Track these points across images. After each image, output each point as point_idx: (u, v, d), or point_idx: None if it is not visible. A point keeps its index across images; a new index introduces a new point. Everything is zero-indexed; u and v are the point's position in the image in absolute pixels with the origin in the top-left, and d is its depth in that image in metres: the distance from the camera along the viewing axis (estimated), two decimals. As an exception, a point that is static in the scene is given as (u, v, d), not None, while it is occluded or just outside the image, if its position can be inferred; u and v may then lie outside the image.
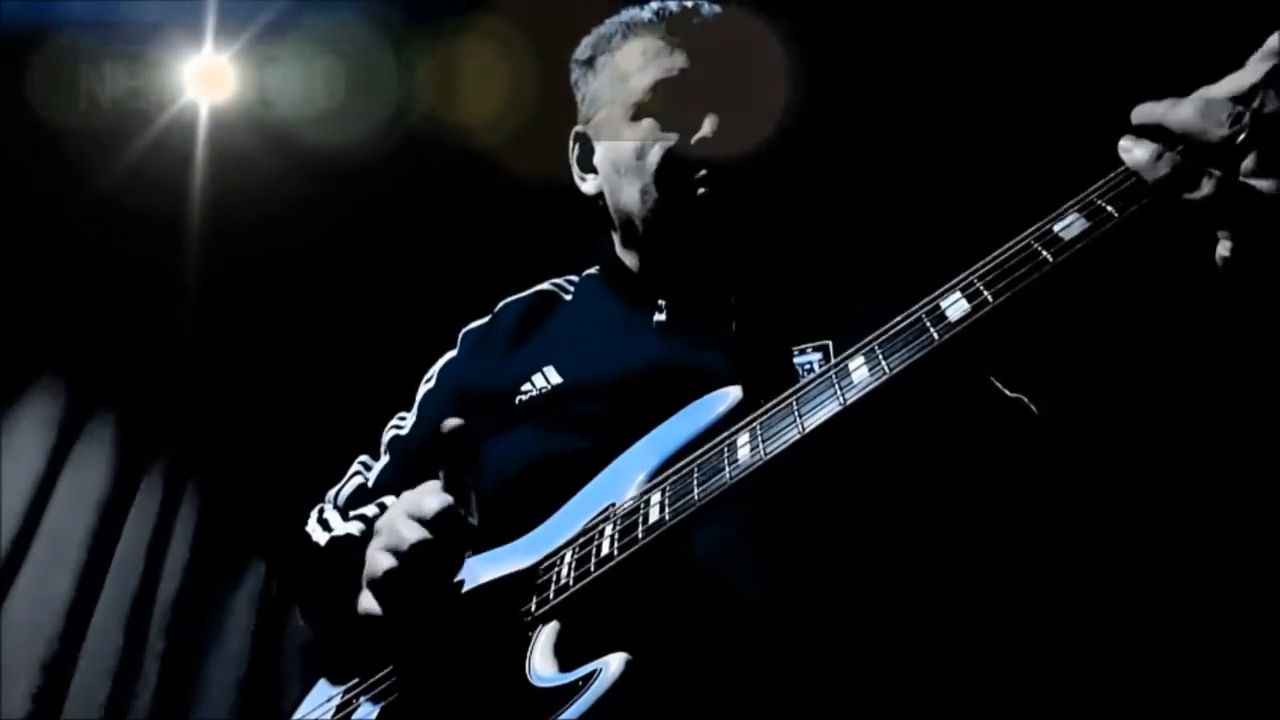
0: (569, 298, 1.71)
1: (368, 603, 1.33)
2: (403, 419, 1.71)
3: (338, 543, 1.49)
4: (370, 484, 1.66)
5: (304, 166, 3.05)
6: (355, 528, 1.50)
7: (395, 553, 1.27)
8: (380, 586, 1.28)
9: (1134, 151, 1.00)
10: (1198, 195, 0.96)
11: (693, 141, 1.47)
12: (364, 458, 1.73)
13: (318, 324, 3.46)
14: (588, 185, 1.67)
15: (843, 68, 2.70)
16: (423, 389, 1.72)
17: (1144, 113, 1.01)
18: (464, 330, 1.75)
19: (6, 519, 2.91)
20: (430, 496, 1.30)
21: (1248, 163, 0.96)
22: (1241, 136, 0.95)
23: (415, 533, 1.26)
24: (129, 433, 3.36)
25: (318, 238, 3.32)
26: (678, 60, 1.53)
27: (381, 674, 1.37)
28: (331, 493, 1.68)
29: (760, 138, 1.52)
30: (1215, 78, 0.99)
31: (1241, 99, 0.95)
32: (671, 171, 1.49)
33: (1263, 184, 0.95)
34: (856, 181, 2.70)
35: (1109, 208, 1.00)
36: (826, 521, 1.26)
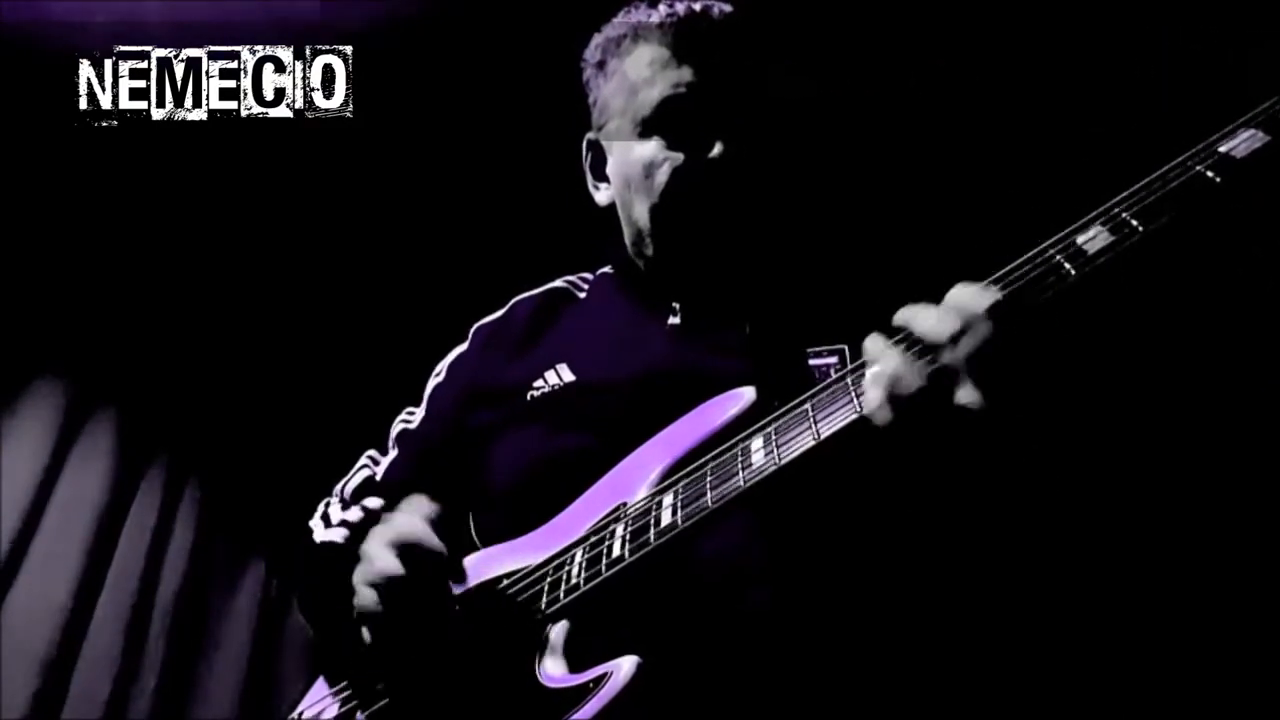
0: (583, 295, 1.71)
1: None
2: (411, 413, 1.71)
3: (331, 541, 1.49)
4: (379, 478, 1.66)
5: (304, 165, 3.05)
6: (355, 515, 1.50)
7: (375, 586, 1.26)
8: (366, 620, 1.29)
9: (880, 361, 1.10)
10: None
11: (701, 161, 1.46)
12: (372, 452, 1.73)
13: (321, 319, 3.45)
14: (601, 195, 1.67)
15: (859, 67, 2.69)
16: (432, 383, 1.72)
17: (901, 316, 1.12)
18: (475, 325, 1.74)
19: (6, 519, 2.90)
20: (403, 527, 1.28)
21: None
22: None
23: (391, 565, 1.25)
24: (129, 433, 3.35)
25: (322, 232, 3.31)
26: (684, 74, 1.50)
27: (379, 676, 1.37)
28: (338, 486, 1.68)
29: (769, 147, 1.52)
30: (1217, 81, 0.98)
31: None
32: (680, 190, 1.48)
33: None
34: (872, 183, 2.69)
35: (1135, 221, 1.00)
36: (834, 525, 1.26)
